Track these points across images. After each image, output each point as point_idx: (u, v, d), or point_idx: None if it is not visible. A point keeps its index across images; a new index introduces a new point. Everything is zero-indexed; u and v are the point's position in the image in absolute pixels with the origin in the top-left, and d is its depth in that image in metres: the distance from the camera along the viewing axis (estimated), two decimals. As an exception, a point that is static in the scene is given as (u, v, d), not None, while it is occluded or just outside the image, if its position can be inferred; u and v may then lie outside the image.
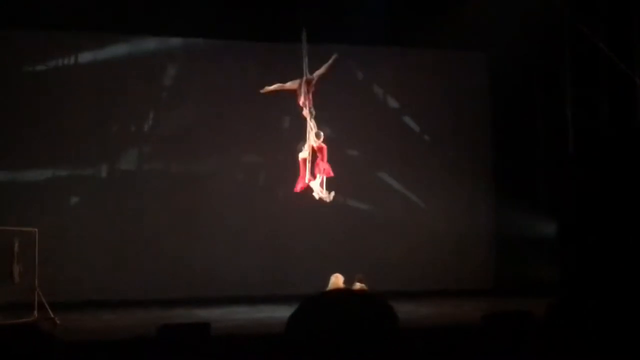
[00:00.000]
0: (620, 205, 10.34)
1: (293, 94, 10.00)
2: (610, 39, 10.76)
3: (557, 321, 3.90)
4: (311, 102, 9.85)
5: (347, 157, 13.28)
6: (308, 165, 9.79)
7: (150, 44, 12.89)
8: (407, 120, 13.79)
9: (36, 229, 10.15)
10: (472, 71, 13.95)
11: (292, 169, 10.02)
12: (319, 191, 9.77)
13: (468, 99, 13.83)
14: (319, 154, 9.84)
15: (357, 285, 9.20)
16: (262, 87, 11.28)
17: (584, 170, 11.41)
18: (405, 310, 9.58)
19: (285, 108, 11.57)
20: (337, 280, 9.40)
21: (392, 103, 13.68)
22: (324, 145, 9.89)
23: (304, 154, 9.87)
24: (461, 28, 12.32)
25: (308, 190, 9.86)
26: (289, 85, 10.05)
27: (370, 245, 12.98)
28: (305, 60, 9.90)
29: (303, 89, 9.87)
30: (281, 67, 11.08)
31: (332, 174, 9.96)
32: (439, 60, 13.74)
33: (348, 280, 9.47)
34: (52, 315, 9.52)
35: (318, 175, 9.83)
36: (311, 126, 9.82)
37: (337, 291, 2.05)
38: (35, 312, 9.69)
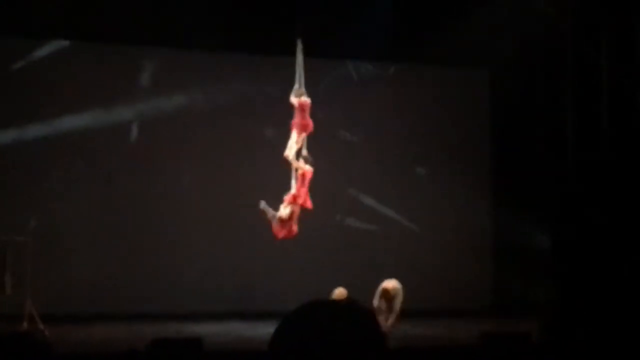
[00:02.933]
0: (621, 219, 10.30)
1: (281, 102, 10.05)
2: (611, 57, 10.77)
3: (552, 339, 3.85)
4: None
5: (340, 172, 13.19)
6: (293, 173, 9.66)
7: (139, 52, 12.72)
8: (404, 134, 13.70)
9: (29, 239, 10.07)
10: (473, 87, 13.94)
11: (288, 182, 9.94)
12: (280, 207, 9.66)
13: (468, 114, 13.81)
14: (299, 178, 9.66)
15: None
16: (250, 99, 11.33)
17: (585, 186, 11.37)
18: (400, 330, 9.53)
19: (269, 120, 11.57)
20: (340, 294, 9.29)
21: (392, 118, 13.59)
22: (308, 170, 9.68)
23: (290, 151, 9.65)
24: (463, 44, 12.33)
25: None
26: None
27: (365, 263, 12.84)
28: (299, 72, 9.82)
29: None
30: (273, 79, 11.14)
31: (309, 206, 9.72)
32: (439, 77, 13.71)
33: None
34: (41, 327, 9.41)
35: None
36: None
37: (317, 303, 1.99)
38: (25, 324, 9.59)
